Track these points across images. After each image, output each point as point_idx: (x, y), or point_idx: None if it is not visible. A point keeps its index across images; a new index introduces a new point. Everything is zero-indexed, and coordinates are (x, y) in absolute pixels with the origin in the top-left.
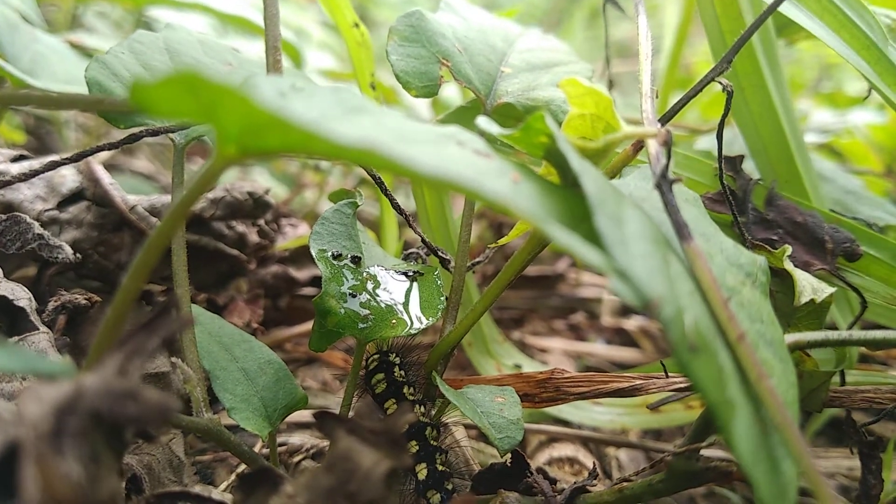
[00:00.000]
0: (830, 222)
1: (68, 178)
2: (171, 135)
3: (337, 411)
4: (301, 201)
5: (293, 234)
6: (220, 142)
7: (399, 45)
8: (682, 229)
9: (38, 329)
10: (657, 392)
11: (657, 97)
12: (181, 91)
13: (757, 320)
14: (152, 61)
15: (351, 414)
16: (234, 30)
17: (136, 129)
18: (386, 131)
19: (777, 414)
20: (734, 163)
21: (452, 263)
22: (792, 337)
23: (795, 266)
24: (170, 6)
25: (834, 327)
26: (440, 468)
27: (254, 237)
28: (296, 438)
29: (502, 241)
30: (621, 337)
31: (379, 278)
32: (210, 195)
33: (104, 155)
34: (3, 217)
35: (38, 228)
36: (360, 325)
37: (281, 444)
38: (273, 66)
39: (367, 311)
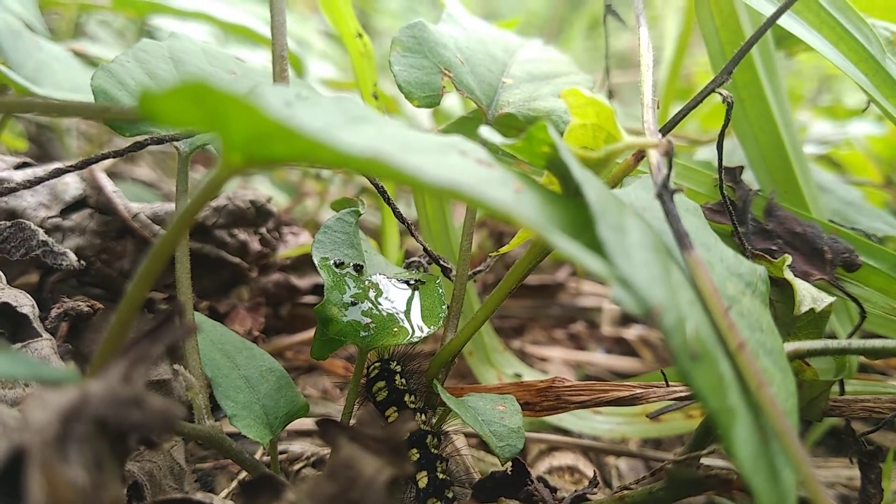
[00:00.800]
0: (829, 233)
1: (71, 185)
2: (175, 143)
3: (338, 419)
4: (302, 210)
5: (295, 243)
6: (226, 150)
7: (402, 55)
8: (683, 239)
9: (41, 336)
10: (657, 401)
11: (658, 107)
12: (189, 100)
13: (757, 329)
14: (157, 70)
15: (352, 422)
16: (234, 39)
17: (140, 138)
18: (390, 141)
19: (777, 422)
20: (734, 173)
21: (454, 272)
22: (791, 346)
23: (795, 276)
24: (172, 15)
25: (833, 337)
26: (441, 476)
27: (255, 245)
28: (296, 446)
29: (503, 249)
30: (621, 346)
31: (381, 287)
32: (213, 203)
33: (106, 163)
34: (8, 224)
35: (42, 235)
36: (362, 333)
37: (281, 452)
38: (279, 75)
39: (369, 320)
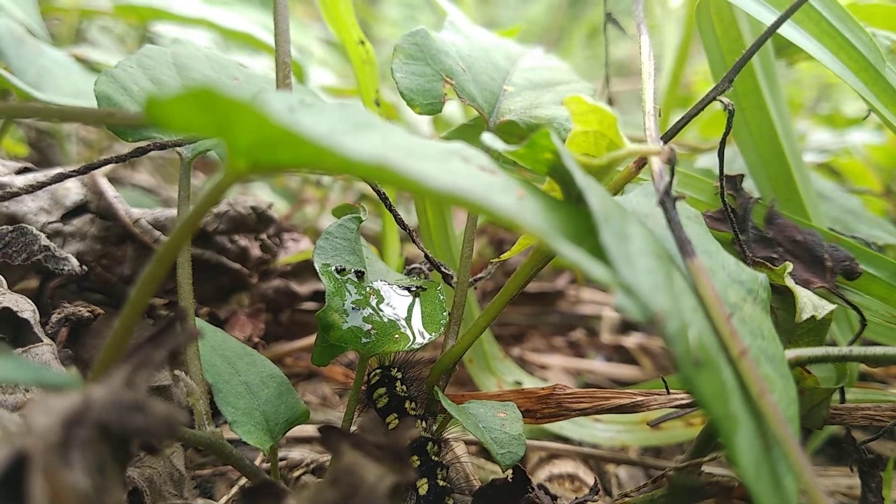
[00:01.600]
0: (830, 241)
1: (72, 190)
2: (178, 149)
3: (339, 426)
4: (302, 216)
5: (295, 249)
6: (230, 156)
7: (404, 62)
8: (685, 246)
9: (42, 341)
10: (658, 409)
11: (659, 115)
12: (196, 106)
13: (758, 336)
14: (161, 76)
15: (353, 428)
16: (236, 45)
17: (143, 143)
18: (395, 147)
19: (779, 429)
20: (734, 181)
21: (455, 279)
22: (793, 353)
23: (795, 284)
24: (173, 21)
25: (834, 345)
26: (441, 483)
27: (256, 251)
28: (296, 453)
29: (504, 256)
30: (621, 354)
31: (382, 293)
32: (214, 209)
33: (106, 168)
34: (9, 228)
35: (44, 240)
36: (363, 340)
37: (281, 459)
38: (282, 81)
39: (370, 326)
